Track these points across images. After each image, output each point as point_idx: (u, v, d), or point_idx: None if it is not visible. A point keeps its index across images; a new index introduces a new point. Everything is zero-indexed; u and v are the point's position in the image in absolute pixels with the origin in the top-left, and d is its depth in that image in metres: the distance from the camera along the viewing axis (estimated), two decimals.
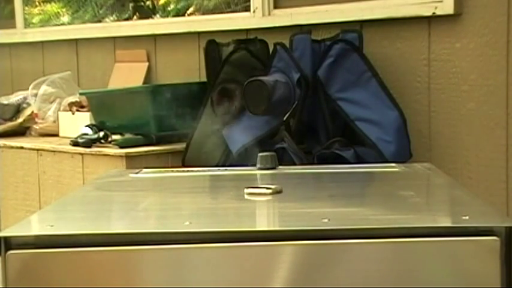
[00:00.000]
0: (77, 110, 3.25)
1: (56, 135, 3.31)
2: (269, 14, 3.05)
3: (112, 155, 2.74)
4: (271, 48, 2.72)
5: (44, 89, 3.47)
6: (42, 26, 4.08)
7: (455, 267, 1.05)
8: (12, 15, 4.18)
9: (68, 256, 1.06)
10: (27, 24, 4.15)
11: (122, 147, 2.77)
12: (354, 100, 2.54)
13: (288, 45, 2.63)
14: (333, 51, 2.56)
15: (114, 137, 2.89)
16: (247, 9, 3.15)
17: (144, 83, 3.50)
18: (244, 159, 2.47)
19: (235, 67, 2.73)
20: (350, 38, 2.59)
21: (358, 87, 2.55)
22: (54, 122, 3.36)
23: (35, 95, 3.47)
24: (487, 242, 1.04)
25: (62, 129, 3.31)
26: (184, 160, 2.79)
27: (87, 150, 2.83)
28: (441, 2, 2.55)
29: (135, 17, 3.66)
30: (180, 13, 3.47)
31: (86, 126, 2.97)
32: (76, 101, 3.29)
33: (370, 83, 2.55)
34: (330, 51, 2.56)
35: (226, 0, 3.27)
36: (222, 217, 1.28)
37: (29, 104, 3.53)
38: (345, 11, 2.78)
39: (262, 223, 1.29)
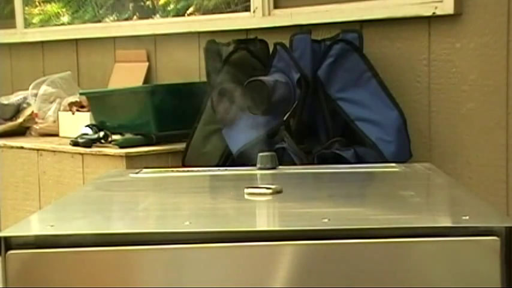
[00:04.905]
0: (77, 110, 3.25)
1: (56, 135, 3.31)
2: (269, 14, 3.05)
3: (112, 155, 2.74)
4: (271, 48, 2.72)
5: (44, 89, 3.47)
6: (42, 26, 4.08)
7: (455, 267, 1.05)
8: (12, 15, 4.18)
9: (68, 256, 1.06)
10: (27, 24, 4.15)
11: (122, 147, 2.77)
12: (354, 100, 2.54)
13: (288, 45, 2.63)
14: (333, 51, 2.56)
15: (114, 137, 2.89)
16: (247, 9, 3.15)
17: (144, 83, 3.50)
18: (244, 159, 2.47)
19: (235, 67, 2.73)
20: (350, 38, 2.59)
21: (358, 87, 2.55)
22: (54, 122, 3.36)
23: (35, 95, 3.47)
24: (487, 242, 1.04)
25: (62, 129, 3.31)
26: (184, 160, 2.79)
27: (87, 150, 2.83)
28: (441, 2, 2.55)
29: (135, 17, 3.66)
30: (180, 13, 3.47)
31: (86, 126, 2.97)
32: (76, 101, 3.29)
33: (370, 83, 2.55)
34: (330, 51, 2.56)
35: (226, 0, 3.27)
36: (222, 217, 1.28)
37: (29, 104, 3.53)
38: (345, 11, 2.78)
39: (262, 223, 1.29)
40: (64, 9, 3.99)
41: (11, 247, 1.06)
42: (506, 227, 1.04)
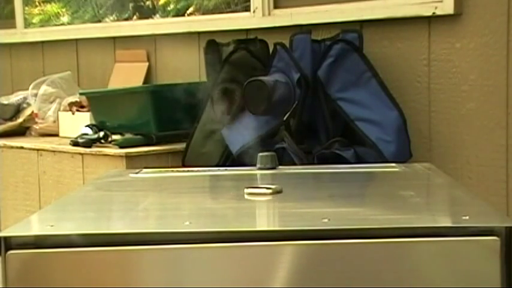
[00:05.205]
0: (77, 110, 3.25)
1: (56, 135, 3.31)
2: (269, 14, 3.05)
3: (112, 155, 2.74)
4: (271, 48, 2.72)
5: (44, 89, 3.47)
6: (42, 26, 4.08)
7: (455, 267, 1.05)
8: (12, 15, 4.18)
9: (68, 256, 1.06)
10: (27, 24, 4.15)
11: (122, 147, 2.77)
12: (354, 100, 2.54)
13: (288, 45, 2.63)
14: (333, 51, 2.56)
15: (114, 137, 2.89)
16: (247, 9, 3.15)
17: (144, 83, 3.50)
18: (244, 159, 2.47)
19: (235, 67, 2.73)
20: (350, 38, 2.59)
21: (358, 87, 2.55)
22: (54, 122, 3.36)
23: (35, 95, 3.47)
24: (487, 242, 1.04)
25: (62, 129, 3.31)
26: (184, 160, 2.79)
27: (87, 150, 2.83)
28: (441, 2, 2.55)
29: (135, 17, 3.66)
30: (180, 13, 3.47)
31: (86, 126, 2.97)
32: (76, 101, 3.29)
33: (370, 83, 2.55)
34: (330, 51, 2.56)
35: (226, 0, 3.27)
36: (222, 217, 1.28)
37: (29, 104, 3.53)
38: (345, 11, 2.78)
39: (262, 223, 1.29)
40: (64, 9, 3.99)
41: (11, 247, 1.06)
42: (506, 227, 1.04)
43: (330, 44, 2.58)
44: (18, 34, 4.14)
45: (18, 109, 3.56)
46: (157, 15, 3.56)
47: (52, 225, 1.15)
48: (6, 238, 1.06)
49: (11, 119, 3.53)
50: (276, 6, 3.04)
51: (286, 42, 2.64)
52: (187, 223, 1.12)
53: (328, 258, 1.06)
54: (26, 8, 4.15)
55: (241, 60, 2.74)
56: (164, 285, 1.06)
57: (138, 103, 2.96)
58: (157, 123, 2.89)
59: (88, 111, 3.18)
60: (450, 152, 2.59)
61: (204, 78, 2.95)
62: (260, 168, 1.69)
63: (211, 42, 2.86)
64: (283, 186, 1.39)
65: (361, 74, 2.56)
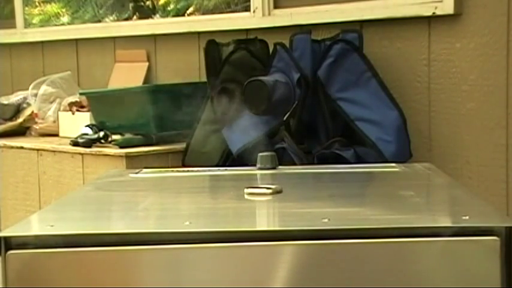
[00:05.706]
0: (77, 110, 3.25)
1: (56, 135, 3.31)
2: (269, 14, 3.05)
3: (112, 155, 2.74)
4: (271, 48, 2.72)
5: (44, 89, 3.47)
6: (42, 26, 4.08)
7: (455, 267, 1.05)
8: (12, 15, 4.18)
9: (68, 256, 1.06)
10: (27, 24, 4.15)
11: (122, 147, 2.77)
12: (354, 100, 2.54)
13: (288, 45, 2.63)
14: (333, 51, 2.56)
15: (114, 137, 2.89)
16: (247, 9, 3.15)
17: (144, 83, 3.50)
18: (244, 159, 2.47)
19: (235, 67, 2.73)
20: (350, 38, 2.59)
21: (358, 87, 2.55)
22: (54, 122, 3.36)
23: (35, 95, 3.47)
24: (487, 242, 1.04)
25: (62, 129, 3.31)
26: (184, 160, 2.79)
27: (87, 150, 2.83)
28: (441, 2, 2.55)
29: (135, 17, 3.66)
30: (180, 13, 3.47)
31: (86, 126, 2.97)
32: (76, 101, 3.29)
33: (370, 83, 2.55)
34: (330, 51, 2.56)
35: (226, 0, 3.27)
36: (222, 217, 1.28)
37: (29, 104, 3.53)
38: (345, 11, 2.78)
39: (262, 223, 1.29)
40: (64, 9, 3.99)
41: (11, 247, 1.06)
42: (506, 227, 1.04)
43: (330, 44, 2.58)
44: (18, 34, 4.14)
45: (18, 109, 3.56)
46: (157, 15, 3.56)
47: (52, 225, 1.15)
48: (6, 238, 1.06)
49: (11, 119, 3.53)
50: (276, 6, 3.04)
51: (286, 42, 2.64)
52: (187, 223, 1.12)
53: (328, 258, 1.06)
54: (26, 8, 4.15)
55: (241, 60, 2.74)
56: (164, 285, 1.06)
57: (138, 103, 2.96)
58: (157, 123, 2.89)
59: (88, 111, 3.18)
60: (450, 152, 2.59)
61: (204, 78, 2.95)
62: (260, 168, 1.69)
63: (211, 42, 2.86)
64: (283, 186, 1.39)
65: (361, 74, 2.56)
